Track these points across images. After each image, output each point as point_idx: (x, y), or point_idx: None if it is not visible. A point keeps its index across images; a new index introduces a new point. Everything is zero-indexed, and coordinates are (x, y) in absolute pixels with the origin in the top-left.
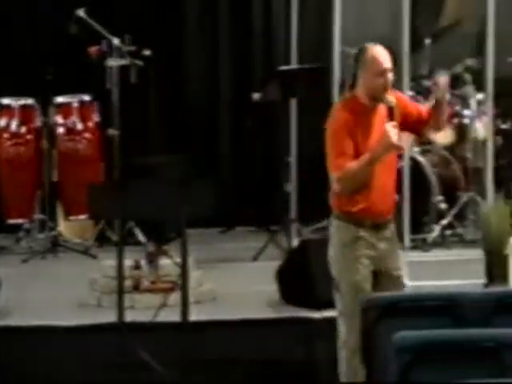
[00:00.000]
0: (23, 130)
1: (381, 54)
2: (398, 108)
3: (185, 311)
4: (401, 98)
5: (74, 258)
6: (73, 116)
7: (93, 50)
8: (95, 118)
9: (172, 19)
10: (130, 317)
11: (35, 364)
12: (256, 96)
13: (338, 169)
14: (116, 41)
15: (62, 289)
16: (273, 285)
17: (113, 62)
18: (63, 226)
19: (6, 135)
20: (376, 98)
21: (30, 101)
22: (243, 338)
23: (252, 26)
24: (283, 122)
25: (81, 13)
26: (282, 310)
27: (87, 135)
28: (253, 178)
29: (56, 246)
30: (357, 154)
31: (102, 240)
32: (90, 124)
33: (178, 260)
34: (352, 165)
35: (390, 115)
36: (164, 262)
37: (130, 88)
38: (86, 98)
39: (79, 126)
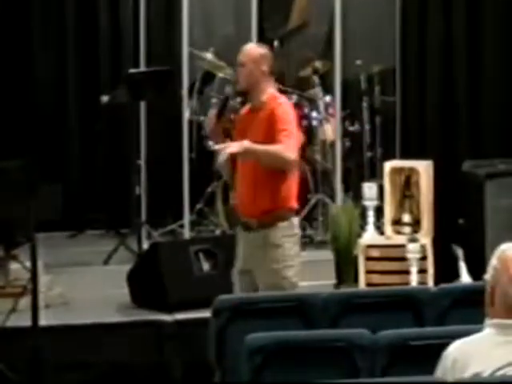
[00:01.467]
0: None
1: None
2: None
3: (35, 316)
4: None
5: None
6: None
7: None
8: None
9: (17, 18)
10: None
11: None
12: (104, 99)
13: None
14: None
15: None
16: (124, 288)
17: None
18: None
19: None
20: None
21: None
22: (94, 342)
23: (99, 28)
24: (132, 124)
25: None
26: (134, 314)
27: None
28: (103, 181)
29: None
30: None
31: None
32: None
33: (28, 264)
34: None
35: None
36: (13, 266)
37: None
38: None
39: None
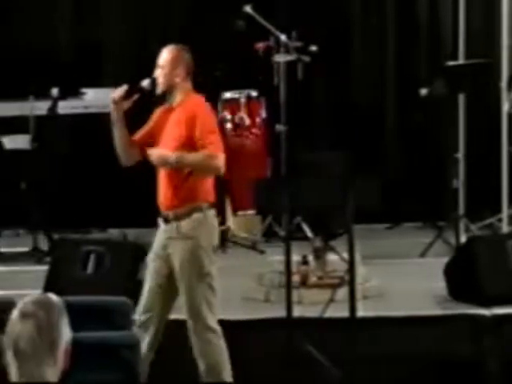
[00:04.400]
0: None
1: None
2: None
3: (352, 307)
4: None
5: (241, 253)
6: (240, 112)
7: (260, 46)
8: (262, 113)
9: (338, 15)
10: (297, 312)
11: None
12: (423, 91)
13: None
14: (283, 37)
15: (229, 283)
16: (441, 281)
17: (280, 58)
18: (231, 221)
19: None
20: None
21: None
22: (410, 334)
23: (418, 22)
24: (451, 117)
25: (248, 9)
26: (450, 307)
27: (255, 131)
28: (420, 174)
29: (224, 240)
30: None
31: (269, 235)
32: (258, 119)
33: (345, 255)
34: None
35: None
36: (331, 257)
37: (297, 84)
38: (254, 93)
39: (247, 122)
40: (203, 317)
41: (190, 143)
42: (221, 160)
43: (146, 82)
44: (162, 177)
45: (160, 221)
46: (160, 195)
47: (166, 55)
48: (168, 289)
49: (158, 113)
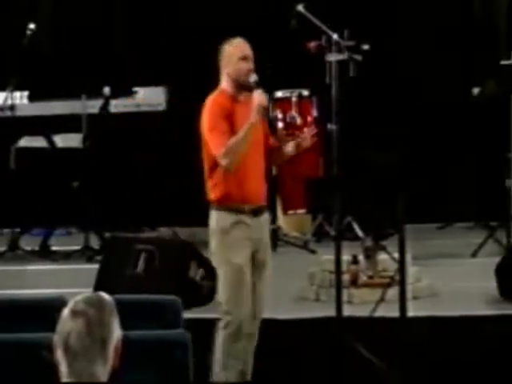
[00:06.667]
0: None
1: (239, 42)
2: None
3: (403, 307)
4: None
5: (293, 252)
6: (292, 111)
7: (312, 45)
8: (314, 112)
9: (388, 15)
10: (347, 311)
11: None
12: (476, 91)
13: (222, 146)
14: (335, 36)
15: (280, 282)
16: (492, 281)
17: (332, 57)
18: (282, 220)
19: None
20: (240, 84)
21: None
22: (462, 335)
23: (473, 21)
24: (503, 117)
25: (300, 8)
26: (502, 307)
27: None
28: (472, 173)
29: (275, 239)
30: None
31: (320, 234)
32: (309, 118)
33: (396, 255)
34: (233, 139)
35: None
36: (381, 257)
37: (349, 83)
38: (305, 92)
39: (298, 121)
40: None
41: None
42: None
43: (254, 78)
44: (255, 170)
45: (247, 216)
46: (253, 188)
47: (248, 46)
48: None
49: (233, 107)
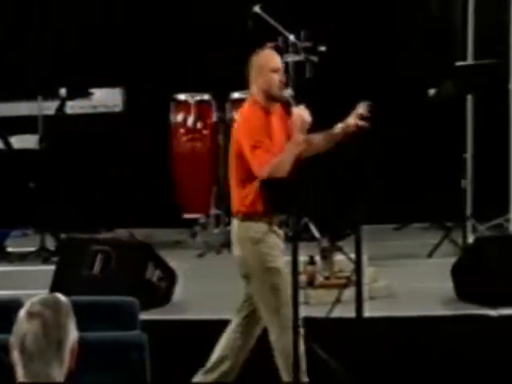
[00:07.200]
0: (199, 125)
1: (270, 54)
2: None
3: (359, 307)
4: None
5: None
6: None
7: (269, 46)
8: None
9: (344, 16)
10: (304, 312)
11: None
12: (431, 92)
13: (266, 164)
14: (292, 37)
15: (236, 283)
16: (448, 282)
17: (288, 58)
18: None
19: (182, 130)
20: (272, 95)
21: (205, 96)
22: (419, 335)
23: (428, 22)
24: (459, 118)
25: (257, 9)
26: (458, 308)
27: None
28: (428, 174)
29: (231, 241)
30: None
31: None
32: None
33: (352, 256)
34: (278, 158)
35: (287, 110)
36: (338, 257)
37: (306, 83)
38: None
39: None
40: None
41: None
42: None
43: (289, 93)
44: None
45: (276, 226)
46: None
47: (279, 58)
48: None
49: (268, 118)
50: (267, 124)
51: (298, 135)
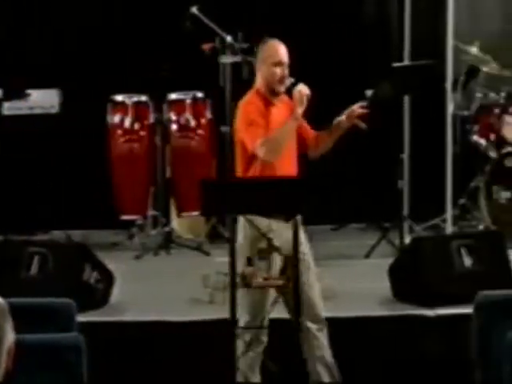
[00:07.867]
0: (136, 126)
1: (276, 46)
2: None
3: (297, 309)
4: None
5: (186, 255)
6: (186, 113)
7: (206, 46)
8: (208, 114)
9: (285, 17)
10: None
11: (150, 357)
12: (369, 93)
13: (258, 137)
14: (229, 38)
15: (174, 285)
16: (385, 282)
17: (226, 59)
18: (176, 223)
19: (119, 132)
20: (274, 89)
21: (143, 98)
22: (357, 335)
23: (365, 23)
24: (396, 118)
25: (194, 10)
26: (395, 308)
27: (200, 132)
28: (365, 174)
29: (169, 242)
30: None
31: (214, 236)
32: (203, 121)
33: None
34: (276, 130)
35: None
36: (277, 258)
37: (243, 85)
38: (199, 94)
39: (192, 123)
40: None
41: None
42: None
43: (290, 81)
44: (288, 168)
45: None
46: None
47: (285, 51)
48: None
49: (268, 108)
50: (264, 111)
51: (297, 109)
